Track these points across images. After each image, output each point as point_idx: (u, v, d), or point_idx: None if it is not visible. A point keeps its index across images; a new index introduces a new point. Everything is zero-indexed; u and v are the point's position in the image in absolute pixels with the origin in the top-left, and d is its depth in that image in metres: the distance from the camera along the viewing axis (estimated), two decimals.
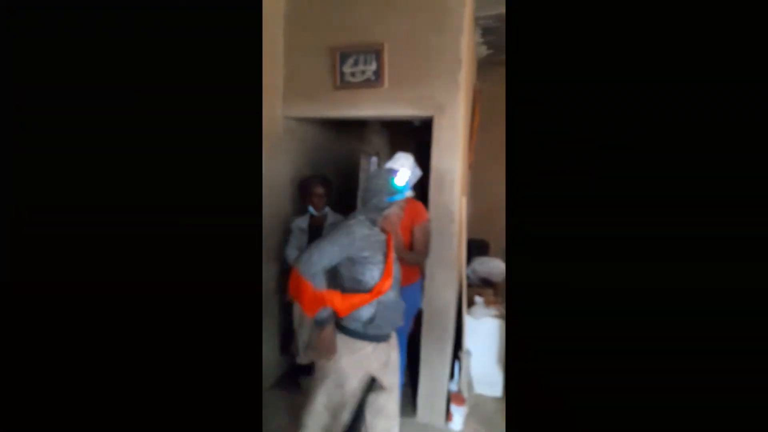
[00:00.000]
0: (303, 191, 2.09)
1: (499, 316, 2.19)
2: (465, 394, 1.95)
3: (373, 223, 1.32)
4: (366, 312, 1.28)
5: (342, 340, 1.29)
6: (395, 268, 1.35)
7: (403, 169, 1.32)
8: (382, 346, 1.34)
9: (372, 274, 1.28)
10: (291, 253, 2.01)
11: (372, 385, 1.35)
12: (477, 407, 2.04)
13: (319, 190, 2.01)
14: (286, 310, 2.21)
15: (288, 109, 1.99)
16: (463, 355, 2.00)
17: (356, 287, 1.28)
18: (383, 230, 1.34)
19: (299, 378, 2.17)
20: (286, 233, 2.09)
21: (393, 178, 1.31)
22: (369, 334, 1.30)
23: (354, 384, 1.29)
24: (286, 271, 2.16)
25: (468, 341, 2.04)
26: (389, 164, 1.75)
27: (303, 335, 2.10)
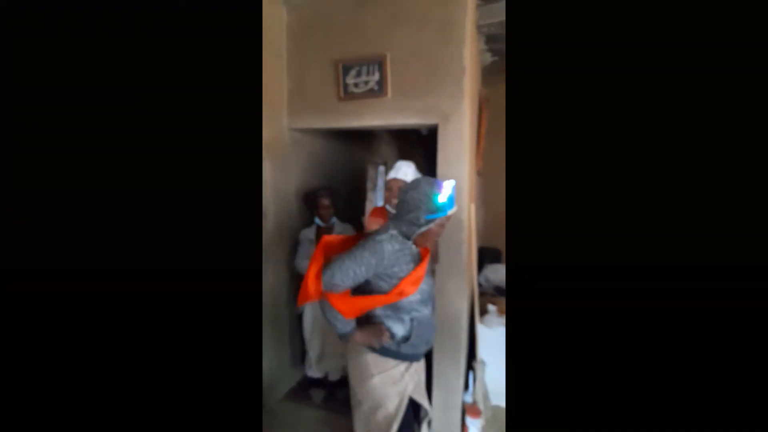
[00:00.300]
0: (309, 203, 2.10)
1: None
2: (480, 406, 1.89)
3: (406, 237, 1.17)
4: (399, 329, 1.18)
5: (373, 359, 1.19)
6: (428, 282, 1.23)
7: (447, 182, 1.16)
8: (416, 366, 1.25)
9: (394, 284, 1.14)
10: (301, 263, 2.02)
11: (419, 412, 1.24)
12: (494, 419, 1.98)
13: (325, 201, 2.01)
14: (297, 321, 2.20)
15: (293, 121, 2.01)
16: (477, 366, 1.95)
17: (370, 292, 1.17)
18: (416, 244, 1.20)
19: (311, 390, 2.15)
20: (295, 244, 2.10)
21: (436, 194, 1.12)
22: (403, 353, 1.19)
23: (390, 409, 1.18)
24: (296, 282, 2.17)
25: (482, 351, 1.99)
26: (391, 174, 1.74)
27: (314, 347, 2.09)
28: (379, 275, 1.14)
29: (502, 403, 2.09)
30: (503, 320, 2.16)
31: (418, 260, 1.19)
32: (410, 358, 1.22)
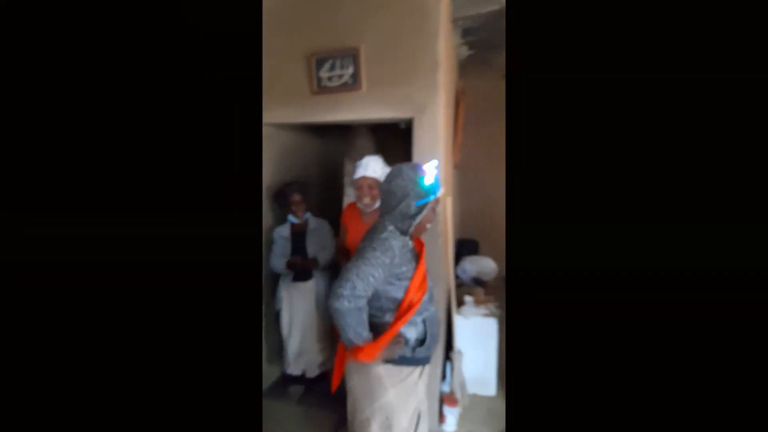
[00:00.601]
0: (280, 200, 2.05)
1: (490, 315, 2.17)
2: (458, 395, 1.93)
3: (404, 232, 1.10)
4: (413, 333, 1.11)
5: (386, 371, 1.09)
6: (428, 277, 1.18)
7: (429, 164, 1.11)
8: (427, 369, 1.19)
9: (404, 285, 1.08)
10: (276, 262, 1.99)
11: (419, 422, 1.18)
12: (471, 407, 2.02)
13: (296, 197, 1.98)
14: (275, 318, 2.18)
15: (266, 115, 1.97)
16: (454, 356, 1.98)
17: (388, 307, 1.09)
18: (411, 237, 1.14)
19: (289, 387, 2.13)
20: (269, 242, 2.07)
21: (422, 177, 1.06)
22: (417, 357, 1.12)
23: (404, 423, 1.11)
24: (272, 279, 2.14)
25: (459, 341, 2.02)
26: (360, 172, 1.72)
27: (292, 344, 2.07)
28: (388, 278, 1.06)
29: (479, 392, 2.13)
30: (480, 311, 2.19)
31: (416, 256, 1.14)
32: (423, 362, 1.15)
